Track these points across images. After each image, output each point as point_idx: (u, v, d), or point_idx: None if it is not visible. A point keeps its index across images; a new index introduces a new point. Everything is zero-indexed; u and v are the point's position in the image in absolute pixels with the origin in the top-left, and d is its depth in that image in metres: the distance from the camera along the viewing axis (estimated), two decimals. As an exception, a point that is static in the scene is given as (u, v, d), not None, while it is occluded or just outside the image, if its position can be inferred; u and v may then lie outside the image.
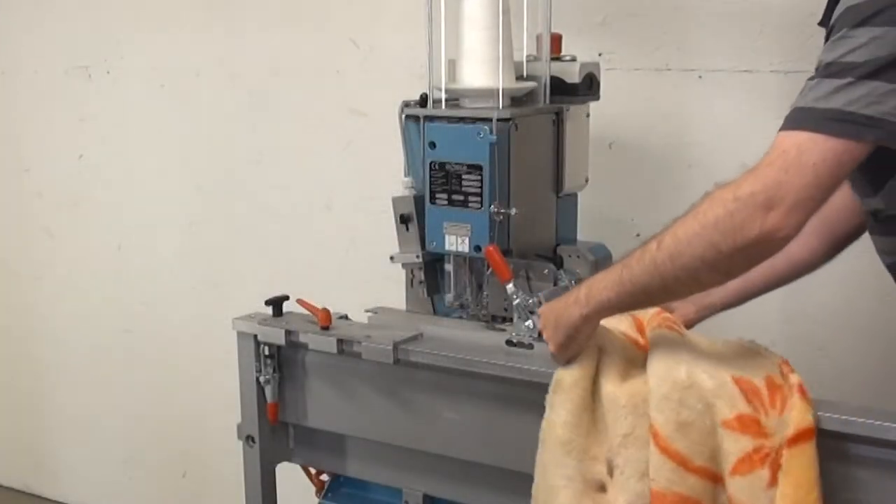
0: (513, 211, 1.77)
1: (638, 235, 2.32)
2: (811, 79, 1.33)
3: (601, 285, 1.44)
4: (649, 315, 1.61)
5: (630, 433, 1.47)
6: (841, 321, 2.19)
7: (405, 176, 1.90)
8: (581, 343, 1.49)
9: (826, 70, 1.30)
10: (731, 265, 1.32)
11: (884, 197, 1.45)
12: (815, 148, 1.27)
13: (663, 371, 1.44)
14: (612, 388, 1.49)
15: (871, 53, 1.26)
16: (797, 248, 1.64)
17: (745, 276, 1.56)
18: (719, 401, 1.40)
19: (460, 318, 1.90)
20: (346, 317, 1.88)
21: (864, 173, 1.43)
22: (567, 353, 1.50)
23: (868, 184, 1.46)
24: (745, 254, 1.30)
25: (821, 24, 1.50)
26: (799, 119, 1.30)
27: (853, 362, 2.18)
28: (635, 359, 1.54)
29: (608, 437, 1.49)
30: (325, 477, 1.98)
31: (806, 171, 1.26)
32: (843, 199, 1.63)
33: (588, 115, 1.96)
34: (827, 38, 1.39)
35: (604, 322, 1.54)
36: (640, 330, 1.62)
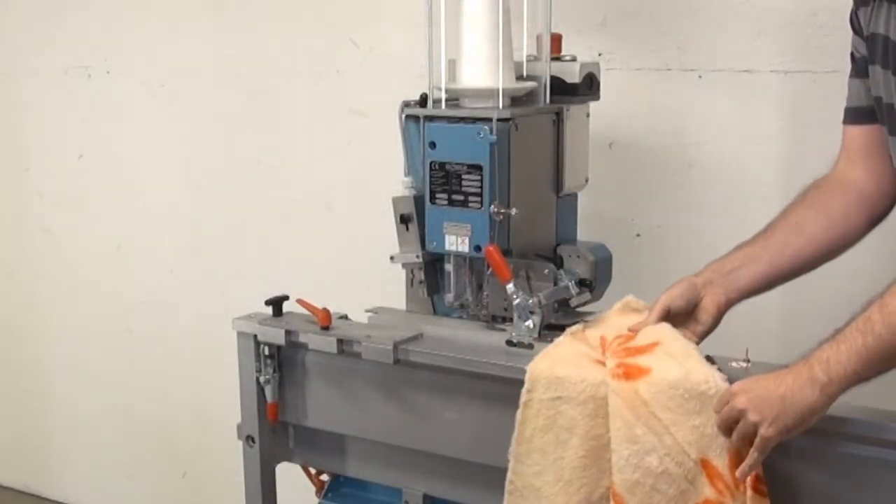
0: (513, 211, 1.77)
1: (638, 235, 2.32)
2: None
3: (840, 358, 1.35)
4: (612, 336, 1.60)
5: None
6: (841, 321, 2.18)
7: (405, 176, 1.90)
8: (809, 425, 1.38)
9: None
10: None
11: None
12: None
13: (635, 459, 1.46)
14: (600, 430, 1.51)
15: None
16: (824, 232, 1.61)
17: (771, 261, 1.55)
18: (690, 486, 1.44)
19: (460, 318, 1.90)
20: (346, 317, 1.89)
21: None
22: (791, 436, 1.41)
23: None
24: None
25: None
26: None
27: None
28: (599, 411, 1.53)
29: (581, 483, 1.53)
30: (324, 477, 1.98)
31: None
32: (881, 181, 1.61)
33: (588, 115, 1.96)
34: None
35: (561, 343, 1.58)
36: (604, 347, 1.60)
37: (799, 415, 1.36)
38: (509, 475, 1.58)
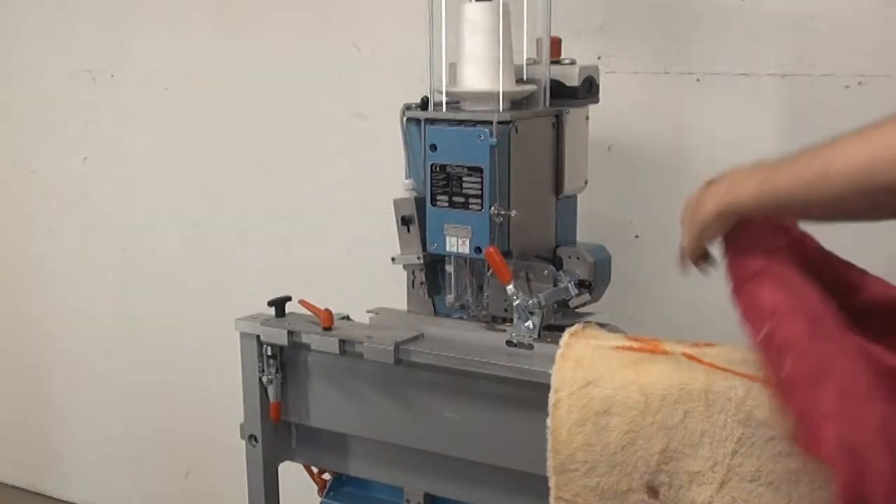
0: (513, 213, 1.78)
1: (637, 237, 2.34)
2: None
3: (744, 182, 1.31)
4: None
5: (666, 447, 1.44)
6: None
7: (406, 178, 1.92)
8: (709, 239, 1.38)
9: None
10: (882, 201, 1.18)
11: None
12: None
13: None
14: (636, 396, 1.46)
15: None
16: None
17: None
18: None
19: (461, 318, 1.91)
20: (347, 317, 1.90)
21: None
22: (695, 252, 1.40)
23: None
24: None
25: None
26: None
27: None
28: (633, 359, 1.51)
29: (636, 459, 1.46)
30: (327, 476, 1.99)
31: None
32: None
33: (587, 118, 1.97)
34: None
35: (570, 344, 1.55)
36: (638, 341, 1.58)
37: (697, 226, 1.36)
38: (553, 491, 1.51)
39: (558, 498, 1.52)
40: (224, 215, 3.00)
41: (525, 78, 1.92)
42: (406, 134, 1.90)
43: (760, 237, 1.38)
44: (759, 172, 1.32)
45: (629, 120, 2.30)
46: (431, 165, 1.82)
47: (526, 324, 1.70)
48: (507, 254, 1.78)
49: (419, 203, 1.87)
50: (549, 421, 1.51)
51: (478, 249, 1.79)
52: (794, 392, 1.26)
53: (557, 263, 1.89)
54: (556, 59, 1.92)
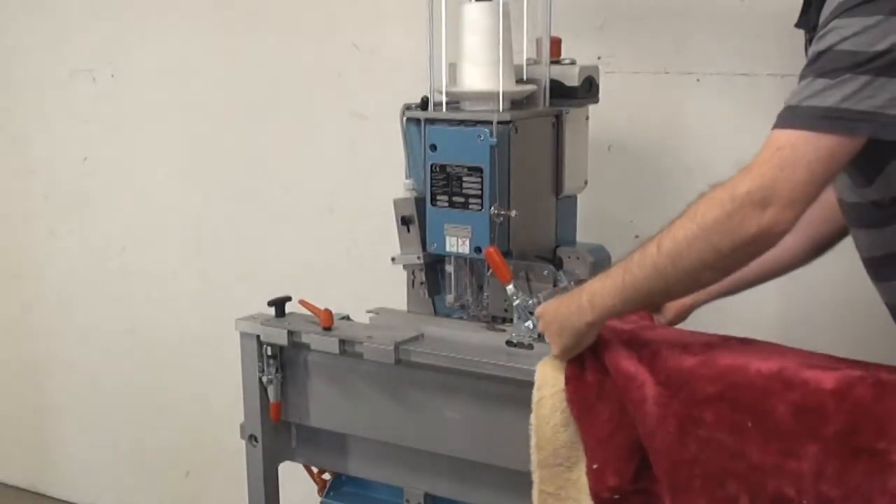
0: (513, 213, 1.78)
1: (637, 237, 2.33)
2: (803, 75, 1.33)
3: (604, 292, 1.45)
4: None
5: None
6: (839, 321, 2.20)
7: (406, 178, 1.92)
8: (584, 346, 1.52)
9: (816, 63, 1.30)
10: (729, 263, 1.36)
11: (878, 186, 1.43)
12: (810, 145, 1.28)
13: None
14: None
15: (862, 44, 1.26)
16: (793, 240, 1.61)
17: None
18: None
19: (461, 318, 1.91)
20: (347, 317, 1.90)
21: (858, 164, 1.40)
22: (570, 356, 1.54)
23: (862, 174, 1.45)
24: (744, 251, 1.33)
25: (797, 25, 1.49)
26: (792, 117, 1.31)
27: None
28: None
29: None
30: (326, 476, 1.99)
31: (801, 168, 1.28)
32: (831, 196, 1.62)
33: (587, 118, 1.98)
34: (811, 38, 1.38)
35: None
36: None
37: (572, 337, 1.50)
38: (537, 485, 1.56)
39: (541, 490, 1.56)
40: (224, 215, 3.01)
41: (525, 78, 1.92)
42: (406, 134, 1.90)
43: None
44: (613, 277, 1.45)
45: (629, 120, 2.30)
46: (431, 165, 1.82)
47: (526, 324, 1.71)
48: (507, 254, 1.79)
49: (419, 203, 1.88)
50: (532, 418, 1.54)
51: (478, 249, 1.79)
52: None
53: (557, 263, 1.89)
54: (556, 59, 1.93)
